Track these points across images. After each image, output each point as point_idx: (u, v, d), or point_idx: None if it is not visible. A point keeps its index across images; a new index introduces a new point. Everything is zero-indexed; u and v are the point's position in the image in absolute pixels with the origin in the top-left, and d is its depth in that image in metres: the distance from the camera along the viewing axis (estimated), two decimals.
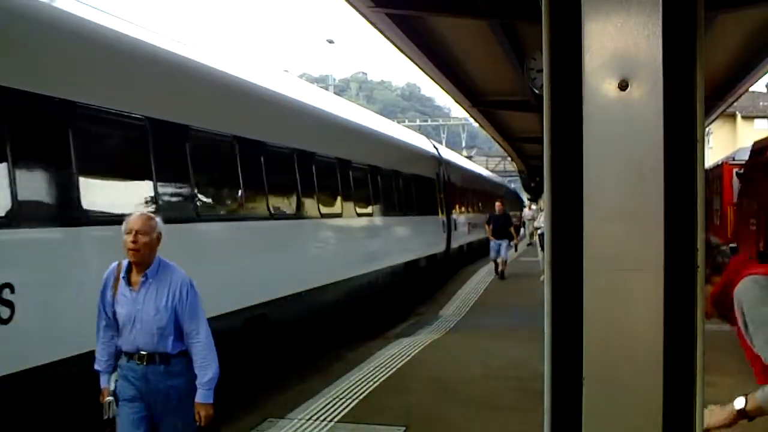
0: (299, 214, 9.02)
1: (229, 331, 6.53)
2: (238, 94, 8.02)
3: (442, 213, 17.61)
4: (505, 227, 17.17)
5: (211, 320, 4.02)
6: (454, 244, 18.87)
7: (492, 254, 17.06)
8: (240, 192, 7.65)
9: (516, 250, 19.88)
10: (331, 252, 10.30)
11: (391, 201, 13.35)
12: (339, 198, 10.48)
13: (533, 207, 30.66)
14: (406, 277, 13.80)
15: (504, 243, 16.75)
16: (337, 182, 10.44)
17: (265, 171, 8.02)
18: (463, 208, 21.93)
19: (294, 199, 8.96)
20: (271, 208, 8.21)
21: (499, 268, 16.95)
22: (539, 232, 16.77)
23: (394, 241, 13.68)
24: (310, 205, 9.37)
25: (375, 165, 12.42)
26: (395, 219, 13.57)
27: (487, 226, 17.50)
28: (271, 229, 8.25)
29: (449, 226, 18.12)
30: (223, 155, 7.39)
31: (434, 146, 19.66)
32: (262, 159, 8.01)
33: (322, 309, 9.46)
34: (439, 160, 18.63)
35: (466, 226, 21.63)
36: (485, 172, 36.60)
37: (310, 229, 9.52)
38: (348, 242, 11.18)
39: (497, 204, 18.26)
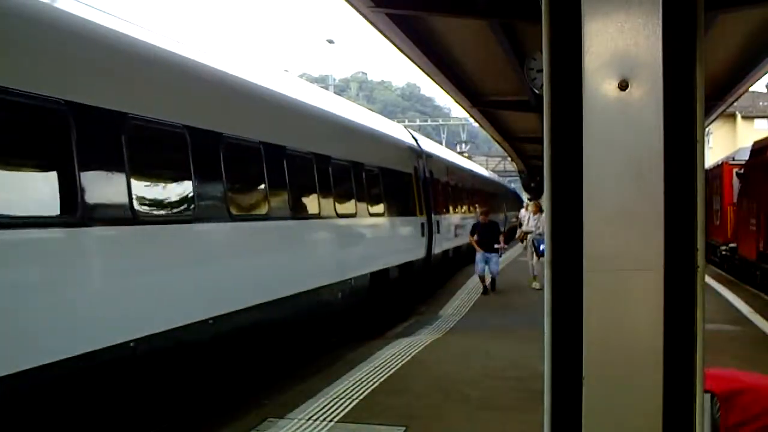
0: (196, 215, 6.58)
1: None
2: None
3: (422, 213, 15.15)
4: (494, 238, 14.65)
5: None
6: (437, 249, 16.27)
7: (478, 267, 14.59)
8: (78, 184, 5.07)
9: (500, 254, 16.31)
10: (255, 265, 7.73)
11: (348, 199, 10.71)
12: (266, 195, 8.05)
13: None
14: (372, 291, 11.38)
15: (493, 256, 14.45)
16: (261, 174, 7.93)
17: (127, 153, 5.60)
18: (449, 208, 19.22)
19: (187, 194, 6.53)
20: (137, 206, 5.69)
21: (487, 283, 14.60)
22: (531, 236, 15.04)
23: (353, 248, 11.21)
24: (215, 203, 7.00)
25: (324, 154, 9.77)
26: (354, 221, 11.00)
27: (470, 237, 15.01)
28: (135, 236, 5.73)
29: (431, 229, 15.66)
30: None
31: (413, 136, 16.84)
32: (122, 138, 5.61)
33: (237, 341, 7.19)
34: (418, 153, 16.10)
35: (452, 228, 19.09)
36: (479, 169, 33.15)
37: (213, 236, 7.01)
38: (283, 252, 8.58)
39: (481, 214, 15.67)
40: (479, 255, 14.46)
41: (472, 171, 27.64)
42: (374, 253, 12.04)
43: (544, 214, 16.70)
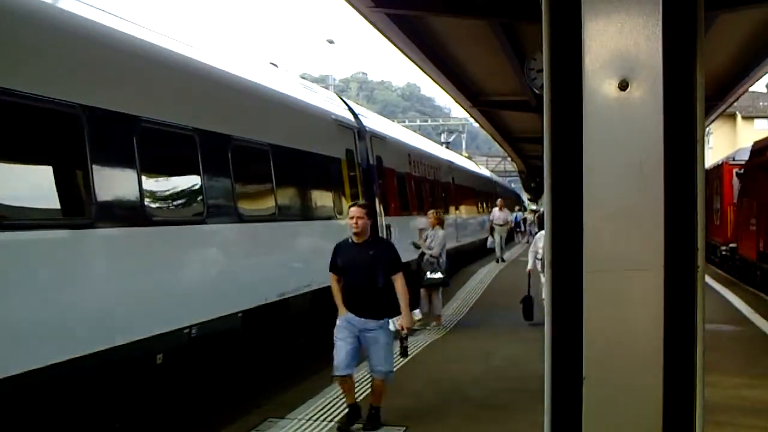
0: None
1: None
2: None
3: None
4: (377, 283, 5.74)
5: None
6: None
7: (337, 353, 5.75)
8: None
9: (403, 344, 7.02)
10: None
11: (183, 192, 6.76)
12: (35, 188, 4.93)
13: (525, 209, 27.00)
14: (248, 339, 7.30)
15: (379, 330, 5.77)
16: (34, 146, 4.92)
17: None
18: (413, 209, 14.56)
19: None
20: None
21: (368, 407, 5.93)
22: (426, 257, 10.51)
23: (220, 269, 6.96)
24: None
25: (129, 113, 5.66)
26: (197, 230, 6.65)
27: (332, 277, 5.93)
28: None
29: None
30: None
31: (349, 108, 12.18)
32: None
33: None
34: (357, 132, 11.64)
35: (418, 235, 12.54)
36: (461, 160, 27.00)
37: None
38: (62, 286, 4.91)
39: (355, 218, 5.69)
40: (341, 321, 5.84)
41: (451, 162, 22.06)
42: (262, 276, 7.72)
43: (443, 231, 13.18)
